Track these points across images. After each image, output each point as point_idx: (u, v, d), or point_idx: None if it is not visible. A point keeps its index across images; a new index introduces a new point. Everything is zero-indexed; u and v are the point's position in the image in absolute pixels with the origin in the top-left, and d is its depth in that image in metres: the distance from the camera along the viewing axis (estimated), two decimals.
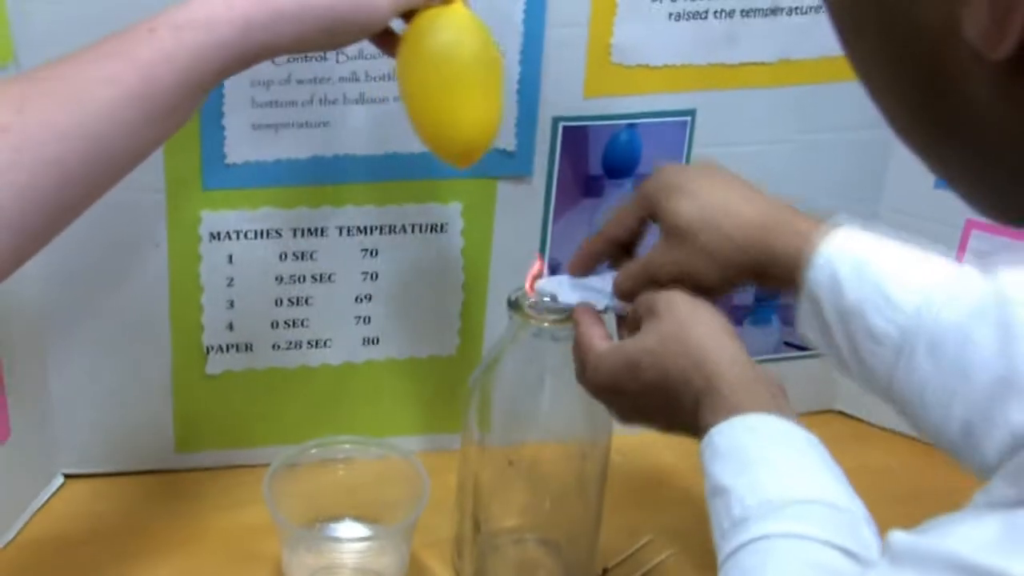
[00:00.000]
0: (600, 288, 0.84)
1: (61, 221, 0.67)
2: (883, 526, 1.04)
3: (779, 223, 0.79)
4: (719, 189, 0.81)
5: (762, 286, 0.83)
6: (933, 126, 0.48)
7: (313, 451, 0.90)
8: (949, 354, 0.72)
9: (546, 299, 0.85)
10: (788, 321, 1.15)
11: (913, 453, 1.16)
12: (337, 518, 0.93)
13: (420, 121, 0.81)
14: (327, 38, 0.73)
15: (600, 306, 0.83)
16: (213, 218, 0.95)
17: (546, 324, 0.86)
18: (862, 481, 1.11)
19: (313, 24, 0.71)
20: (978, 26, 0.41)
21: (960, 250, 1.09)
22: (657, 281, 0.80)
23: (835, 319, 0.77)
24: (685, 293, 0.78)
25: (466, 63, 0.79)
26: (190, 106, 0.69)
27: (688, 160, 1.04)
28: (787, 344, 1.16)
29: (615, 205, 0.93)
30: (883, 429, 1.19)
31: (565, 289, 0.85)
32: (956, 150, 0.47)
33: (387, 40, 0.79)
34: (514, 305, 0.87)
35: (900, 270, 0.76)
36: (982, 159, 0.47)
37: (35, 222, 0.64)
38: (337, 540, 0.92)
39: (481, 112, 0.80)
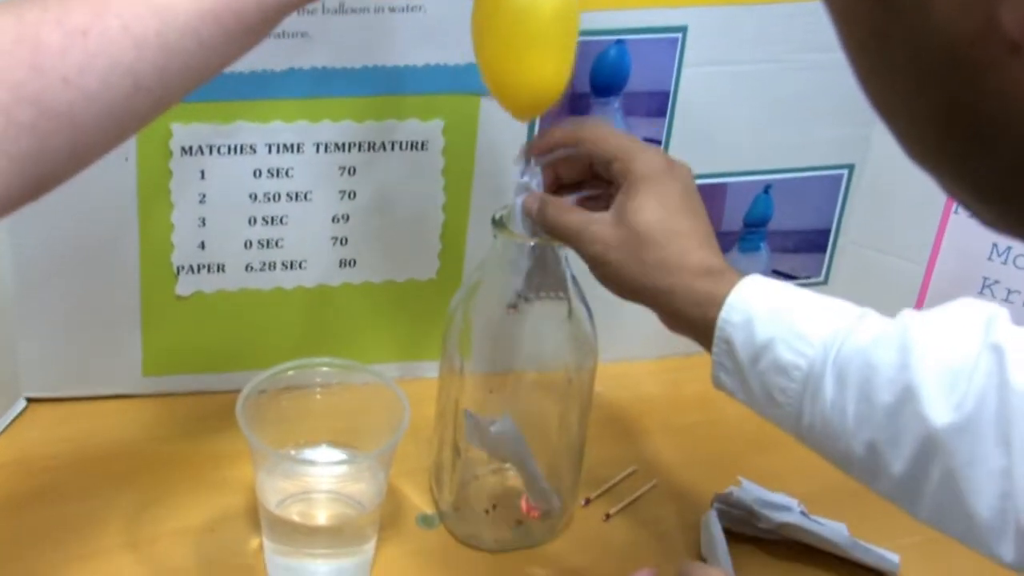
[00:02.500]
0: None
1: (127, 130, 0.69)
2: None
3: (709, 267, 0.83)
4: (681, 211, 0.85)
5: (663, 316, 0.87)
6: (965, 141, 0.47)
7: (290, 374, 0.92)
8: (853, 379, 0.77)
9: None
10: (777, 248, 1.17)
11: None
12: (313, 444, 0.94)
13: (492, 71, 0.83)
14: None
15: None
16: (184, 131, 0.96)
17: (532, 243, 0.87)
18: None
19: None
20: (1018, 12, 0.41)
21: None
22: (581, 241, 0.83)
23: (747, 358, 0.80)
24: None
25: (548, 20, 0.81)
26: (268, 28, 0.71)
27: (679, 78, 1.05)
28: (776, 272, 1.18)
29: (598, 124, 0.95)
30: None
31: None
32: (990, 163, 0.47)
33: None
34: (499, 224, 0.88)
35: (810, 309, 0.80)
36: (1020, 168, 0.46)
37: (101, 128, 0.66)
38: (313, 464, 0.93)
39: (555, 70, 0.82)
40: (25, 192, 0.65)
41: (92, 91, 0.64)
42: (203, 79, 0.70)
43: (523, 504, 0.95)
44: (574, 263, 0.90)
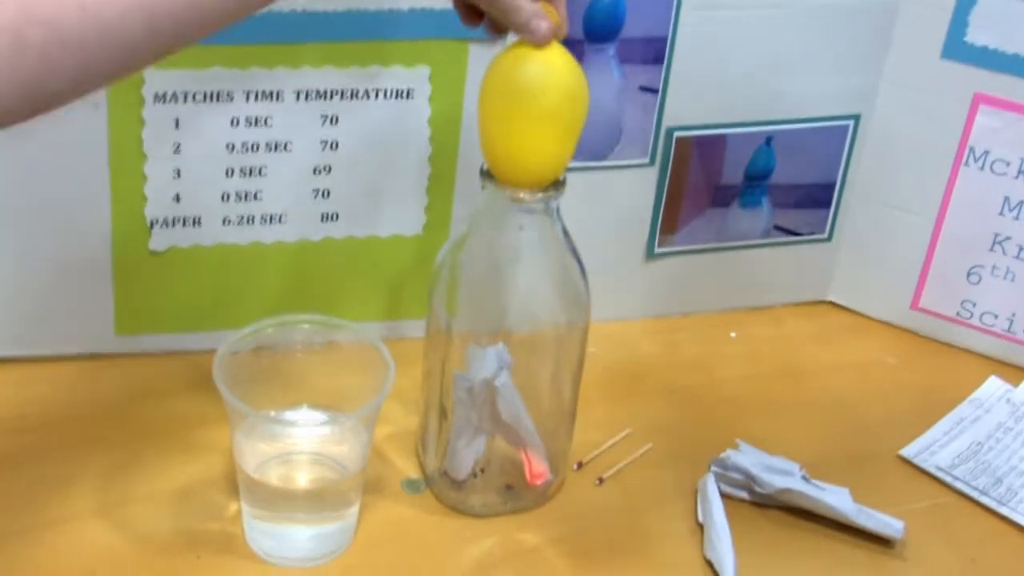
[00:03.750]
0: None
1: (134, 67, 0.70)
2: (882, 423, 1.08)
3: None
4: None
5: None
6: None
7: (269, 331, 0.91)
8: None
9: None
10: (780, 203, 1.16)
11: (911, 346, 1.19)
12: (293, 405, 0.94)
13: (491, 145, 0.86)
14: None
15: None
16: (158, 77, 0.95)
17: (522, 195, 0.86)
18: (855, 377, 1.14)
19: None
20: None
21: (967, 127, 1.10)
22: None
23: None
24: None
25: (554, 104, 0.84)
26: None
27: (676, 24, 1.04)
28: (777, 228, 1.18)
29: None
30: (880, 321, 1.21)
31: None
32: None
33: (470, 12, 0.85)
34: (488, 175, 0.88)
35: None
36: None
37: (108, 59, 0.68)
38: (293, 425, 0.93)
39: (555, 153, 0.86)
40: (21, 112, 0.66)
41: (106, 22, 0.66)
42: (213, 31, 0.72)
43: (527, 471, 0.95)
44: (566, 215, 0.90)
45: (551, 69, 0.84)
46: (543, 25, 0.83)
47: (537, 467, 0.95)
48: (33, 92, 0.65)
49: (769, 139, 1.13)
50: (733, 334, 1.18)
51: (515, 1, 0.82)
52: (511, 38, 0.85)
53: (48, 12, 0.64)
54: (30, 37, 0.64)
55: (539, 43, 0.83)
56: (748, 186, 1.15)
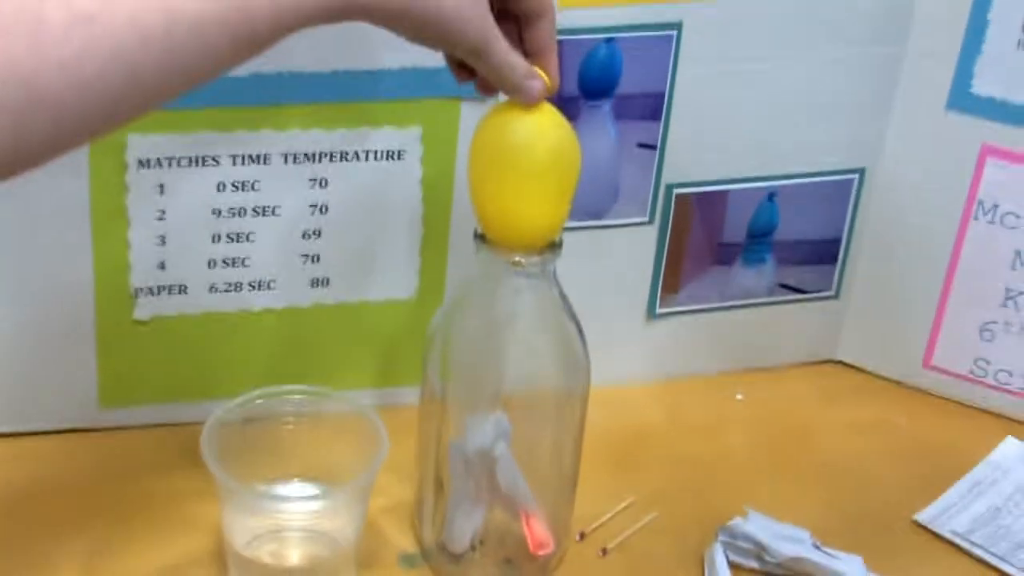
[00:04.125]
0: None
1: (115, 123, 0.70)
2: (895, 487, 1.09)
3: None
4: None
5: None
6: None
7: (258, 402, 0.92)
8: None
9: None
10: (785, 260, 1.18)
11: (923, 406, 1.20)
12: (284, 479, 0.95)
13: (483, 207, 0.88)
14: (413, 30, 0.79)
15: None
16: (141, 142, 0.97)
17: (518, 258, 0.88)
18: (866, 439, 1.16)
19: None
20: None
21: (975, 180, 1.12)
22: None
23: None
24: None
25: (544, 163, 0.86)
26: (275, 40, 0.73)
27: (674, 78, 1.06)
28: (782, 286, 1.19)
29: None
30: (890, 381, 1.23)
31: None
32: None
33: (462, 68, 0.86)
34: (482, 237, 0.89)
35: None
36: None
37: (87, 117, 0.67)
38: (285, 500, 0.94)
39: (548, 213, 0.88)
40: None
41: (87, 79, 0.65)
42: (199, 83, 0.72)
43: (530, 542, 0.96)
44: (563, 276, 0.91)
45: (539, 127, 0.86)
46: (536, 85, 0.85)
47: (540, 537, 0.96)
48: (6, 151, 0.65)
49: (772, 194, 1.14)
50: (739, 396, 1.20)
51: (508, 60, 0.83)
52: (501, 96, 0.87)
53: (27, 70, 0.63)
54: (4, 96, 0.63)
55: (531, 104, 0.85)
56: (751, 243, 1.16)
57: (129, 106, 0.69)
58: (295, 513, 0.93)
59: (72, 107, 0.66)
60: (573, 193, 0.88)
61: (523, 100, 0.85)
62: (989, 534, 1.04)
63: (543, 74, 0.85)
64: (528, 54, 0.86)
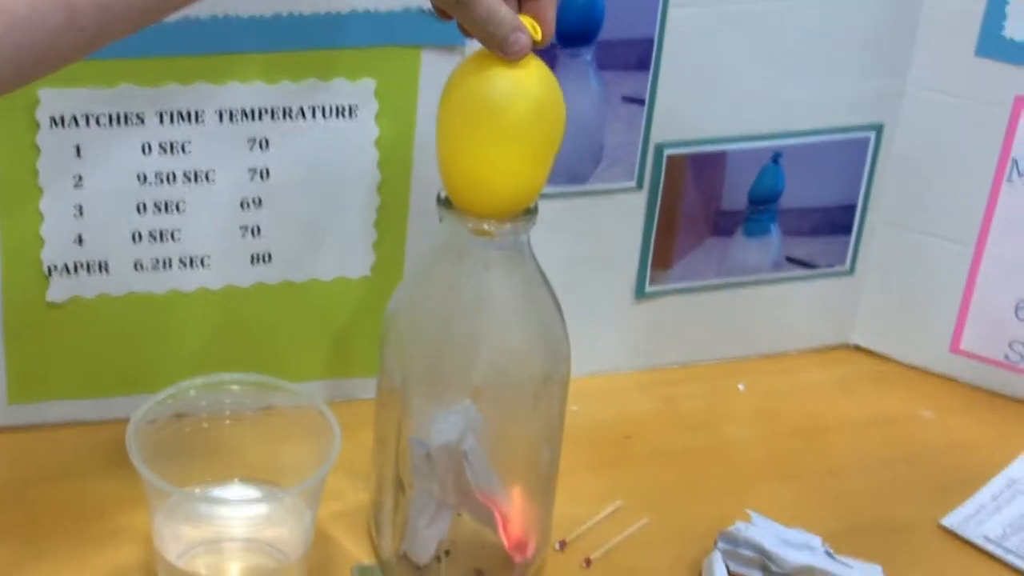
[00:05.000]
0: None
1: (46, 68, 0.71)
2: (919, 487, 1.10)
3: None
4: None
5: None
6: None
7: (192, 395, 0.93)
8: None
9: None
10: (792, 231, 1.18)
11: (950, 397, 1.21)
12: (222, 481, 0.96)
13: (451, 169, 0.88)
14: None
15: None
16: (55, 98, 0.96)
17: (487, 226, 0.88)
18: (885, 433, 1.16)
19: None
20: None
21: (1008, 136, 1.13)
22: None
23: None
24: None
25: (525, 120, 0.86)
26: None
27: (664, 23, 1.07)
28: (790, 260, 1.20)
29: None
30: (913, 368, 1.24)
31: None
32: None
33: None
34: (447, 203, 0.90)
35: None
36: None
37: (16, 60, 0.68)
38: (223, 505, 0.94)
39: (526, 177, 0.88)
40: None
41: (19, 17, 0.67)
42: (139, 27, 0.73)
43: (505, 542, 0.96)
44: (540, 250, 0.92)
45: (522, 82, 0.86)
46: (521, 40, 0.85)
47: (517, 537, 0.96)
48: None
49: (777, 156, 1.15)
50: (741, 386, 1.21)
51: (493, 12, 0.83)
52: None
53: None
54: None
55: (514, 60, 0.85)
56: (754, 211, 1.17)
57: (64, 50, 0.70)
58: (235, 520, 0.93)
59: (5, 46, 0.67)
60: (554, 157, 0.89)
61: (505, 57, 0.85)
62: None
63: (532, 23, 0.85)
64: None
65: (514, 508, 0.95)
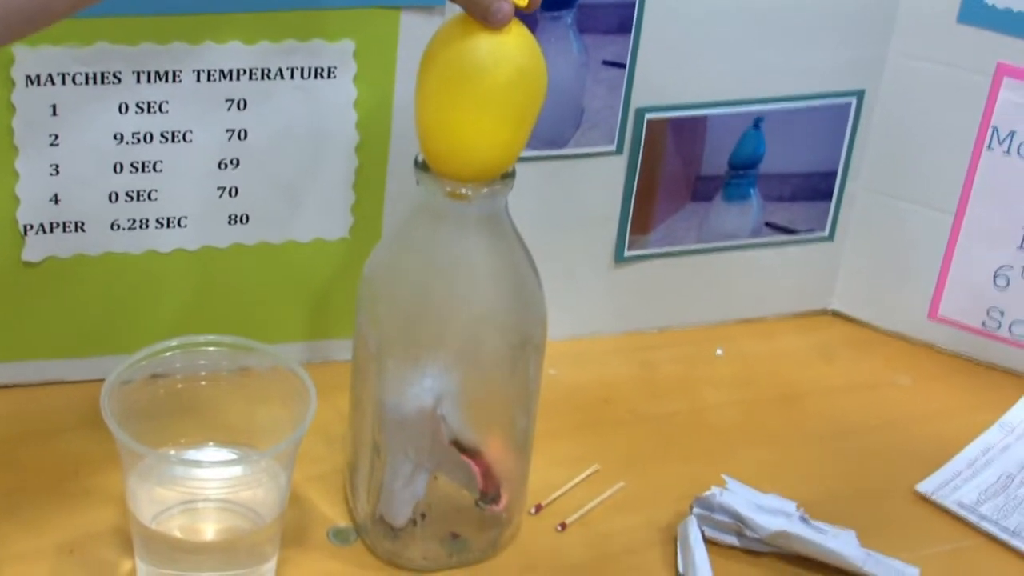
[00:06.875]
0: None
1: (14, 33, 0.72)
2: (895, 453, 1.10)
3: None
4: None
5: None
6: None
7: (167, 356, 0.93)
8: None
9: None
10: (772, 196, 1.19)
11: (928, 363, 1.21)
12: (197, 443, 0.96)
13: (429, 132, 0.88)
14: None
15: None
16: (30, 56, 0.96)
17: (464, 190, 0.88)
18: (863, 399, 1.17)
19: None
20: None
21: (989, 104, 1.13)
22: None
23: None
24: None
25: (505, 83, 0.86)
26: None
27: None
28: (769, 225, 1.20)
29: None
30: (892, 334, 1.24)
31: None
32: None
33: None
34: (424, 166, 0.90)
35: None
36: None
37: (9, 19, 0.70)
38: (197, 466, 0.94)
39: (505, 140, 0.88)
40: None
41: None
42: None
43: (479, 482, 0.96)
44: (518, 213, 0.92)
45: (504, 48, 0.86)
46: (504, 8, 0.84)
47: (494, 483, 0.97)
48: None
49: (758, 121, 1.15)
50: (719, 351, 1.21)
51: None
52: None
53: None
54: None
55: (495, 28, 0.85)
56: (734, 176, 1.17)
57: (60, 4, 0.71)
58: (210, 482, 0.93)
59: None
60: (534, 122, 0.89)
61: (488, 26, 0.85)
62: (999, 506, 1.05)
63: None
64: None
65: (491, 461, 0.96)
